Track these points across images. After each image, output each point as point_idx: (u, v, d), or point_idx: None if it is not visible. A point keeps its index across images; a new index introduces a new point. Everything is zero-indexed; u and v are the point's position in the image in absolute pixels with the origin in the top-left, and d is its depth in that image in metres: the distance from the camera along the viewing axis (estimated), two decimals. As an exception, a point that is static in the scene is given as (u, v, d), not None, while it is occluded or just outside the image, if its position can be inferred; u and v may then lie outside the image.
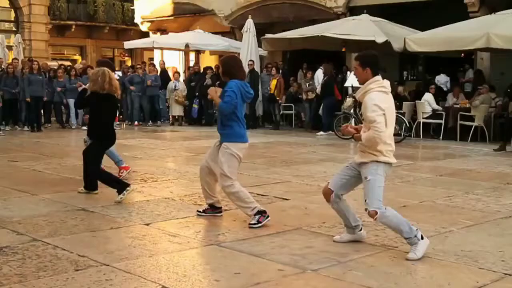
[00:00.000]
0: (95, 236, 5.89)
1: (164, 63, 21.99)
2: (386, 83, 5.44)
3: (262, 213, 6.36)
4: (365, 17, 17.74)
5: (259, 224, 6.26)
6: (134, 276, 4.71)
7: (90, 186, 7.97)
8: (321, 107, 17.51)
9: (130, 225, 6.39)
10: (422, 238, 5.33)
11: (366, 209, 5.37)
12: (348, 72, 17.45)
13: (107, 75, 7.60)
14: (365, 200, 5.35)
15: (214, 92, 6.51)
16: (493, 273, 4.91)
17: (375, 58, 5.53)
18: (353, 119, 15.70)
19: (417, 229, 5.37)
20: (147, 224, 6.39)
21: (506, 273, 4.90)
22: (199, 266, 5.04)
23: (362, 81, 5.44)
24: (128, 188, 7.54)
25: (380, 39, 15.97)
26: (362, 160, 5.40)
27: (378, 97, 5.29)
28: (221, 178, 6.40)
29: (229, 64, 6.59)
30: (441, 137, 15.51)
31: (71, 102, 17.90)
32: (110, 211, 6.95)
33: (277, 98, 18.53)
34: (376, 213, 5.27)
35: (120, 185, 7.60)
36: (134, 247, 5.52)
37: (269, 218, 6.37)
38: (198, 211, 6.86)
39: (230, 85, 6.40)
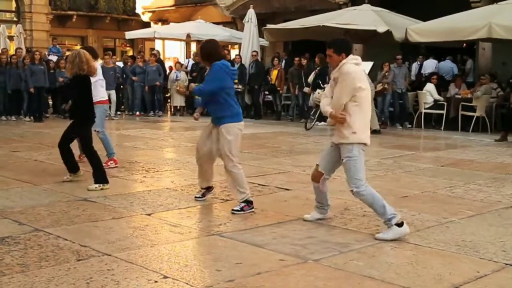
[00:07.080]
0: (97, 226, 5.90)
1: (159, 54, 21.74)
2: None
3: (249, 203, 6.46)
4: (366, 7, 17.67)
5: (242, 212, 6.36)
6: (135, 266, 4.72)
7: (100, 177, 7.69)
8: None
9: (131, 215, 6.41)
10: (401, 225, 5.50)
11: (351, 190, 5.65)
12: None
13: (83, 56, 7.62)
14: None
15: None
16: (494, 263, 4.92)
17: (349, 44, 5.85)
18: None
19: (394, 215, 5.51)
20: (149, 214, 6.41)
21: (507, 263, 4.92)
22: (201, 256, 5.05)
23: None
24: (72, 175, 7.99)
25: (381, 29, 15.93)
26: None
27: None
28: (226, 159, 6.45)
29: (208, 49, 6.56)
30: (442, 128, 15.50)
31: None
32: (112, 201, 6.96)
33: (278, 89, 18.48)
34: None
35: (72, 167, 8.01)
36: (136, 237, 5.54)
37: (253, 210, 6.46)
38: (197, 197, 7.02)
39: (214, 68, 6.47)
